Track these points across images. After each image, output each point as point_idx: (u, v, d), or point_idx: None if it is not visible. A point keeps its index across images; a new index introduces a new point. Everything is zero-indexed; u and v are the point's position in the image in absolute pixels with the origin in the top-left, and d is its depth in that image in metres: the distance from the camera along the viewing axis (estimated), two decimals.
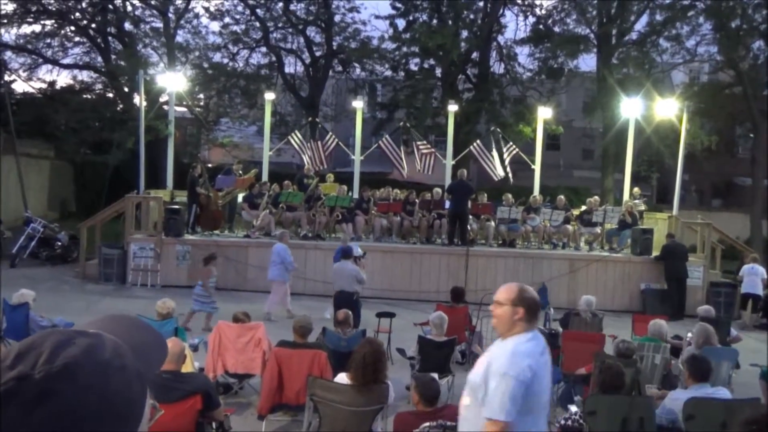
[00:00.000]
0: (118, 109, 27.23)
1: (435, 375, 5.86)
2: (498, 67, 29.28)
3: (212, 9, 28.88)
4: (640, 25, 26.81)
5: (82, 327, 1.14)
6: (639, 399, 6.03)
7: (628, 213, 17.47)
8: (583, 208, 18.37)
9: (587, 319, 10.22)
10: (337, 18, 29.39)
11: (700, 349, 7.87)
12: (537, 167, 20.17)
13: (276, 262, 13.21)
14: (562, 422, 5.63)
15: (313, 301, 14.34)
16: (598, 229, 17.67)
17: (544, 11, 28.83)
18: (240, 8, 29.24)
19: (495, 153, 19.75)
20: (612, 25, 26.02)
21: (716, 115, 26.95)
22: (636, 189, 19.51)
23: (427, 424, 4.83)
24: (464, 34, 27.73)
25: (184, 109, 27.72)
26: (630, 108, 19.84)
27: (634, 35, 26.88)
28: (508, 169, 20.08)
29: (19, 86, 27.98)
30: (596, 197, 19.99)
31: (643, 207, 18.91)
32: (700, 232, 17.61)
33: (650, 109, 21.19)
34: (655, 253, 16.63)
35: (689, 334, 8.88)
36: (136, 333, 1.16)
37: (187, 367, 6.01)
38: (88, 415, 0.96)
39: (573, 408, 5.90)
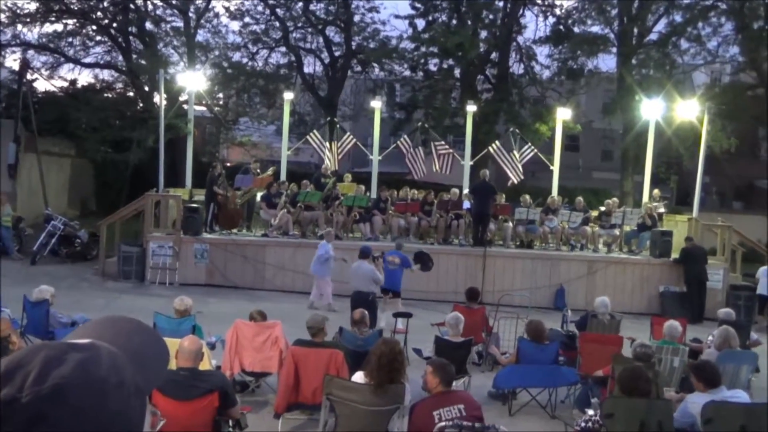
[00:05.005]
0: (139, 108, 27.42)
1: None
2: (517, 68, 29.19)
3: (232, 9, 29.00)
4: (661, 25, 26.62)
5: (79, 331, 1.07)
6: (657, 402, 5.98)
7: (648, 215, 17.34)
8: (602, 209, 18.23)
9: (605, 321, 10.15)
10: (356, 18, 29.37)
11: (719, 351, 7.82)
12: (555, 168, 20.06)
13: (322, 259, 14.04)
14: (582, 425, 5.59)
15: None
16: (616, 231, 17.55)
17: (563, 11, 28.68)
18: (260, 8, 29.32)
19: (515, 154, 19.66)
20: (632, 25, 25.82)
21: (738, 116, 26.64)
22: (656, 191, 19.32)
23: (440, 410, 4.91)
24: (483, 34, 27.66)
25: (203, 108, 27.87)
26: (650, 109, 19.67)
27: (654, 36, 26.66)
28: (521, 170, 19.92)
29: (41, 85, 28.28)
30: (615, 199, 19.86)
31: (662, 209, 18.76)
32: (721, 234, 17.45)
33: (671, 110, 21.00)
34: (675, 255, 16.51)
35: (710, 337, 8.80)
36: (136, 337, 1.06)
37: (205, 365, 6.04)
38: None
39: (590, 411, 5.86)
